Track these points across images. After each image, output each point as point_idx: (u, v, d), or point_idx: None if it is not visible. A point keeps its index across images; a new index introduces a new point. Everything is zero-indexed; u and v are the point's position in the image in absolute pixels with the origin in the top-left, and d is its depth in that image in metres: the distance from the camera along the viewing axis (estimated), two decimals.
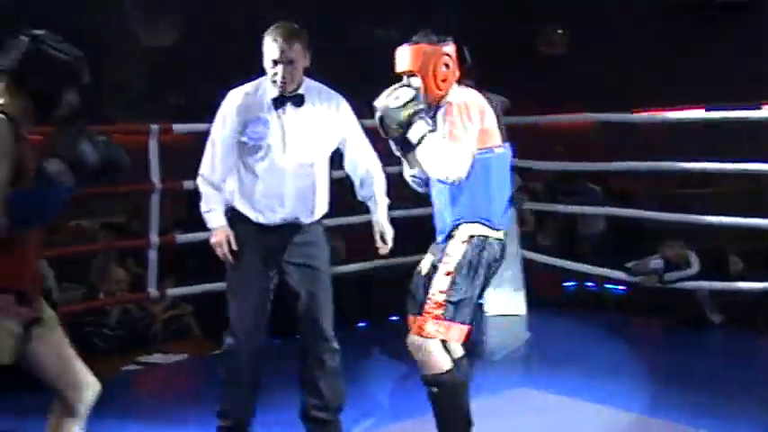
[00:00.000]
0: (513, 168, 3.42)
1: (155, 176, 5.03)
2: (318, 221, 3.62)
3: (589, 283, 7.09)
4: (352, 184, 3.72)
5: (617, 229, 7.37)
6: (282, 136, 3.42)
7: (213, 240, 3.52)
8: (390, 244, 3.60)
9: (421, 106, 3.07)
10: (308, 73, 3.46)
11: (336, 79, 3.62)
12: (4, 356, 2.60)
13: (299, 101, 3.44)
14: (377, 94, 3.14)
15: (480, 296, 3.29)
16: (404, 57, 3.20)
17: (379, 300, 6.40)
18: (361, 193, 3.69)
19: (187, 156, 6.29)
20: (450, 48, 3.21)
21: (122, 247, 6.31)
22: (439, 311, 3.15)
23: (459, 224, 3.20)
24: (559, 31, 12.30)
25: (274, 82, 3.38)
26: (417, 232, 7.20)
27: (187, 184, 4.75)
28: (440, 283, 3.17)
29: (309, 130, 3.46)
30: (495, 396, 4.41)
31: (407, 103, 3.05)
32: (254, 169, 3.46)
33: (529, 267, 6.34)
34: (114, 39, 10.39)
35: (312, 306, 3.58)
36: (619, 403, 4.22)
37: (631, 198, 8.12)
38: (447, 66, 3.18)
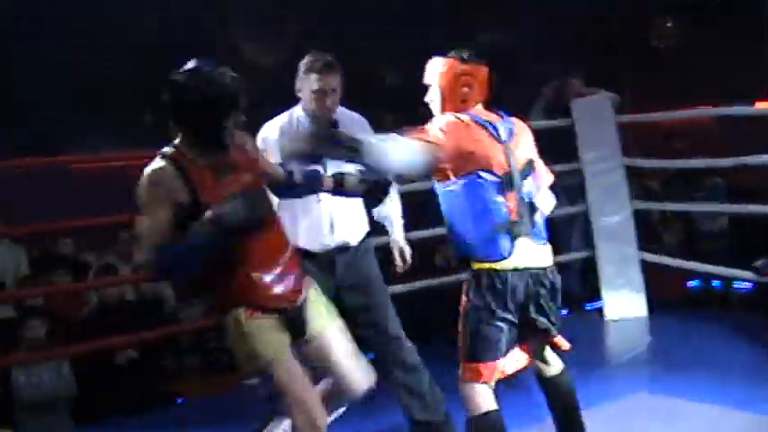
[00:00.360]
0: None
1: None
2: (363, 241, 3.69)
3: (714, 283, 6.85)
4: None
5: (741, 226, 7.09)
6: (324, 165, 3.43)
7: None
8: (409, 261, 3.66)
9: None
10: None
11: None
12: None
13: (335, 125, 3.51)
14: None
15: (522, 322, 3.09)
16: (429, 68, 3.19)
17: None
18: (377, 214, 3.76)
19: None
20: (472, 67, 3.14)
21: None
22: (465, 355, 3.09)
23: (462, 258, 3.10)
24: (669, 24, 11.98)
25: (320, 110, 3.48)
26: None
27: None
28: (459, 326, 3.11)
29: None
30: (618, 402, 4.31)
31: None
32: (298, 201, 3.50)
33: (650, 268, 6.18)
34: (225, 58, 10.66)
35: (372, 317, 3.64)
36: (750, 407, 4.04)
37: (756, 194, 7.80)
38: (468, 86, 3.11)
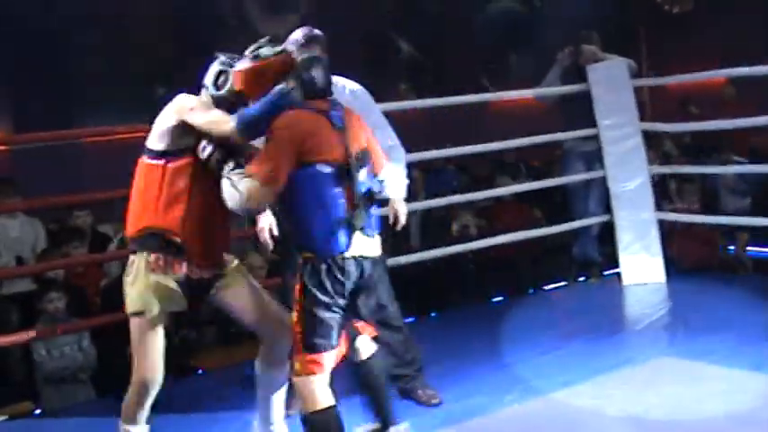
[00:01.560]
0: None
1: None
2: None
3: (730, 248, 6.82)
4: None
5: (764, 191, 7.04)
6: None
7: (257, 227, 3.68)
8: (403, 221, 3.66)
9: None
10: None
11: None
12: (174, 306, 3.10)
13: None
14: None
15: (349, 312, 3.09)
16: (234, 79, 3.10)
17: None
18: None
19: None
20: (264, 62, 3.02)
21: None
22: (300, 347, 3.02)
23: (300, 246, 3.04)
24: None
25: None
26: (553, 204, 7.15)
27: None
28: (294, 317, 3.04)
29: None
30: (640, 366, 4.31)
31: None
32: None
33: (668, 233, 6.15)
34: (236, 31, 10.61)
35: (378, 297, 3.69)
36: None
37: None
38: (272, 81, 2.99)
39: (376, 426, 3.25)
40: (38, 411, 4.84)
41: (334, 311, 3.00)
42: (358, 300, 3.11)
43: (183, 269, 3.10)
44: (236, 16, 10.65)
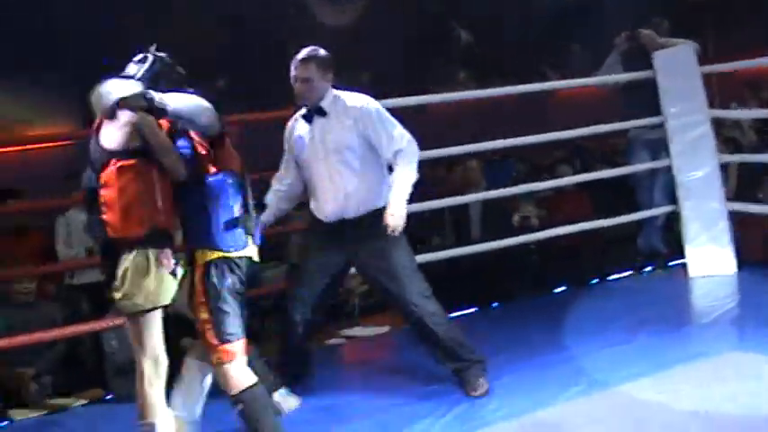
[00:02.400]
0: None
1: None
2: (374, 213, 3.94)
3: None
4: None
5: None
6: (314, 143, 3.99)
7: None
8: (395, 225, 3.79)
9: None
10: None
11: None
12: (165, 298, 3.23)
13: (322, 113, 3.99)
14: None
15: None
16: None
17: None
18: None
19: None
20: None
21: None
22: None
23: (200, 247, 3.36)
24: None
25: (296, 96, 4.00)
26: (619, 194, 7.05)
27: None
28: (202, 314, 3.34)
29: (335, 134, 3.96)
30: (708, 360, 4.21)
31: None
32: (304, 175, 4.09)
33: (740, 224, 6.01)
34: (297, 20, 10.64)
35: (387, 279, 3.98)
36: None
37: None
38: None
39: None
40: (109, 397, 4.92)
41: (240, 302, 3.38)
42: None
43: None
44: (294, 5, 10.69)
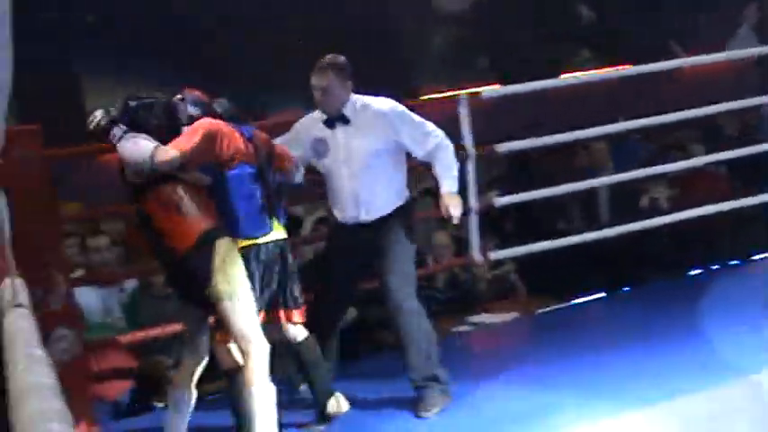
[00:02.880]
0: None
1: (468, 142, 5.09)
2: (390, 216, 4.02)
3: None
4: None
5: None
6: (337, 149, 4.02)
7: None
8: (455, 214, 3.95)
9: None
10: None
11: None
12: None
13: (345, 120, 4.01)
14: None
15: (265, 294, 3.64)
16: None
17: None
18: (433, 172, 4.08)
19: (498, 116, 6.36)
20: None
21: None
22: None
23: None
24: None
25: (317, 104, 4.03)
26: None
27: (500, 147, 5.05)
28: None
29: (359, 141, 3.98)
30: None
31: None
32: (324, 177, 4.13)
33: None
34: (412, 6, 10.65)
35: (382, 267, 4.01)
36: None
37: None
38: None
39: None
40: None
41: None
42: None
43: None
44: None
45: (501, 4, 10.39)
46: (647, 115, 5.86)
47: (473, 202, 5.14)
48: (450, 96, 5.28)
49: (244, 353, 3.51)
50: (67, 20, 8.84)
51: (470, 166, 5.05)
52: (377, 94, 4.13)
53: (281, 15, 9.30)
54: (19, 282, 2.59)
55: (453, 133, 5.01)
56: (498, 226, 6.45)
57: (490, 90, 5.36)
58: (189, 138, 3.48)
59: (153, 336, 4.65)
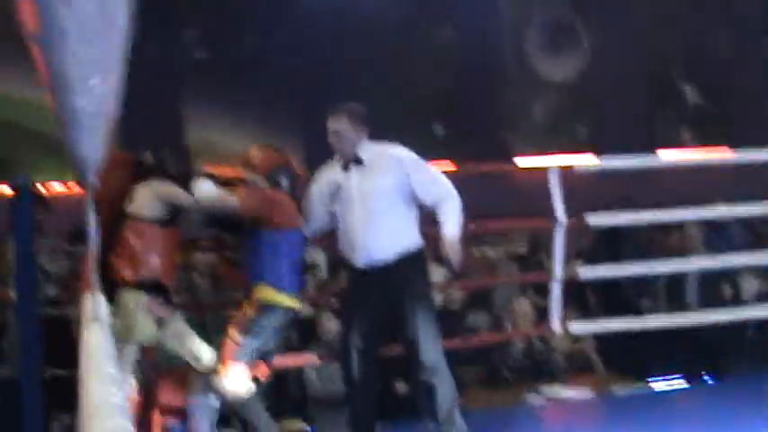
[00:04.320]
0: None
1: (559, 212, 5.04)
2: (405, 258, 4.05)
3: None
4: None
5: None
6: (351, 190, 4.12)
7: None
8: (455, 258, 3.99)
9: None
10: None
11: None
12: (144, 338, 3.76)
13: (359, 161, 4.13)
14: None
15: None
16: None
17: None
18: (438, 219, 4.11)
19: (589, 188, 6.30)
20: None
21: (527, 280, 6.46)
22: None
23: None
24: None
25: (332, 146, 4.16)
26: None
27: (591, 219, 4.96)
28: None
29: (373, 181, 4.07)
30: None
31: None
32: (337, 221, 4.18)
33: None
34: (515, 71, 10.69)
35: (408, 323, 4.00)
36: None
37: None
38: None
39: None
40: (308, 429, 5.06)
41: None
42: None
43: None
44: (515, 56, 10.75)
45: (608, 75, 10.36)
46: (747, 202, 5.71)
47: (558, 272, 5.07)
48: (544, 166, 5.24)
49: None
50: (175, 54, 9.18)
51: (559, 236, 5.00)
52: (470, 157, 4.16)
53: (395, 86, 9.50)
54: (100, 297, 2.66)
55: (544, 200, 5.00)
56: (581, 298, 6.34)
57: (584, 163, 5.32)
58: (249, 195, 3.90)
59: None
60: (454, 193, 4.16)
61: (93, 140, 2.12)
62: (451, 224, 4.08)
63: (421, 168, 4.16)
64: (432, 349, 4.02)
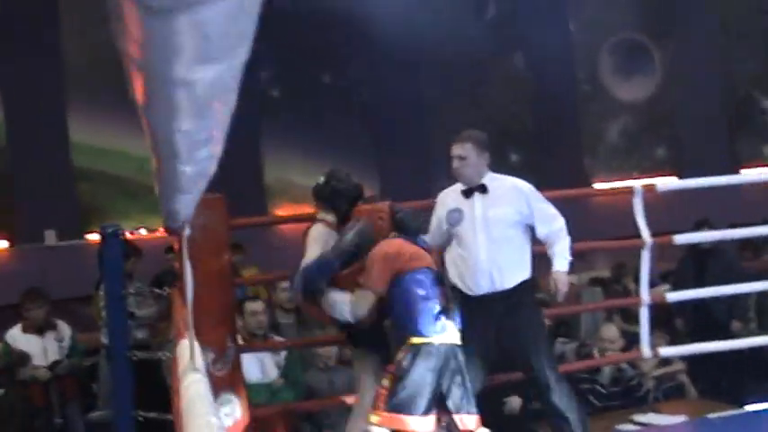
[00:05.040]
0: None
1: (644, 233, 4.96)
2: (520, 287, 4.09)
3: None
4: None
5: None
6: (473, 218, 4.13)
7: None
8: (560, 293, 4.08)
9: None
10: None
11: None
12: None
13: (483, 189, 4.16)
14: None
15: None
16: None
17: None
18: (549, 252, 4.18)
19: (673, 208, 6.18)
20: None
21: (614, 306, 6.38)
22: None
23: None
24: None
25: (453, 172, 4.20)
26: None
27: (678, 239, 4.94)
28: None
29: (497, 210, 4.11)
30: None
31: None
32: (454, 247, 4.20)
33: None
34: (591, 94, 10.61)
35: (526, 348, 4.07)
36: None
37: None
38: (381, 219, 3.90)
39: None
40: None
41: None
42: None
43: None
44: (589, 81, 10.67)
45: (687, 94, 10.21)
46: None
47: (645, 296, 4.98)
48: (626, 188, 5.19)
49: None
50: (252, 94, 9.35)
51: (645, 257, 4.92)
52: (552, 183, 4.19)
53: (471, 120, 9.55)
54: (197, 345, 2.69)
55: (625, 222, 4.93)
56: (670, 322, 6.21)
57: (665, 182, 5.23)
58: (371, 274, 3.75)
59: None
60: (566, 230, 4.20)
61: (192, 198, 2.17)
62: (563, 259, 4.14)
63: (540, 200, 4.21)
64: (551, 371, 4.09)
